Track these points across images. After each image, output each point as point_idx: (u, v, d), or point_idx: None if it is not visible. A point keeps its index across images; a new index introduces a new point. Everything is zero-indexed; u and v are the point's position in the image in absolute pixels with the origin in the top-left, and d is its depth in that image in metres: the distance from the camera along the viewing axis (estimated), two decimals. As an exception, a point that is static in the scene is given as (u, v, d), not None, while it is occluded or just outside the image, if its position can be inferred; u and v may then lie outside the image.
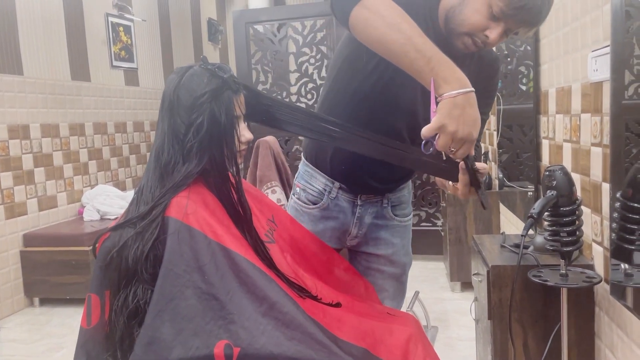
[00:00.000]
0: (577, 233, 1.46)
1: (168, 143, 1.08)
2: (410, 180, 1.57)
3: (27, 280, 3.39)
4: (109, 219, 3.69)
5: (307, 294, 1.11)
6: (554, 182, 1.45)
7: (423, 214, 4.05)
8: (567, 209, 1.44)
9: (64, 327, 3.08)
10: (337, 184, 1.45)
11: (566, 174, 1.46)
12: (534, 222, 1.40)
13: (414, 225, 1.73)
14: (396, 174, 1.44)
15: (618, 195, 1.33)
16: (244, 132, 1.14)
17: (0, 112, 3.26)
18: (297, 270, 1.22)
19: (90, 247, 3.22)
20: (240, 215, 1.12)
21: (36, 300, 3.44)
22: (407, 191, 1.54)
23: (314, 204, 1.48)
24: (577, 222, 1.46)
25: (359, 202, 1.46)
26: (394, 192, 1.48)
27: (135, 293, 1.00)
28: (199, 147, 1.06)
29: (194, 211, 1.03)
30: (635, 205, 1.27)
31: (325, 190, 1.46)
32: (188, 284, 0.98)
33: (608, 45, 1.40)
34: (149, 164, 1.11)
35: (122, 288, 1.01)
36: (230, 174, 1.11)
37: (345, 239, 1.50)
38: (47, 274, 3.35)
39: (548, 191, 1.45)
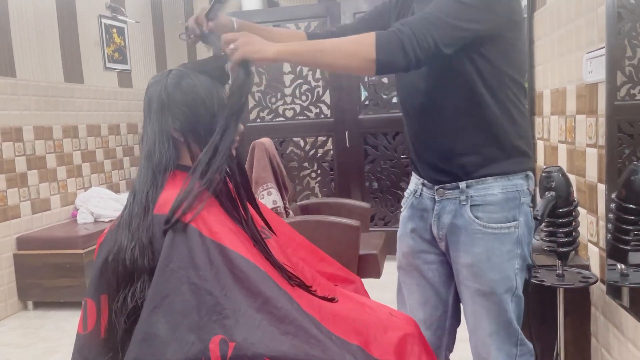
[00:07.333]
0: (574, 234, 1.47)
1: (159, 143, 1.09)
2: (506, 180, 1.29)
3: (21, 284, 3.36)
4: (103, 222, 3.67)
5: (298, 282, 1.11)
6: (553, 183, 1.45)
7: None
8: (565, 210, 1.45)
9: (58, 330, 3.05)
10: (421, 180, 1.40)
11: (564, 175, 1.47)
12: (539, 224, 1.40)
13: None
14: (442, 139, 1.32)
15: (613, 196, 1.34)
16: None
17: (-7, 114, 3.24)
18: (297, 262, 1.23)
19: (84, 250, 3.25)
20: (237, 203, 1.12)
21: (30, 303, 3.41)
22: (497, 191, 1.29)
23: (404, 205, 1.47)
24: (573, 223, 1.47)
25: (437, 198, 1.36)
26: (472, 187, 1.30)
27: (134, 293, 1.01)
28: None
29: (189, 208, 1.04)
30: (630, 206, 1.28)
31: (416, 189, 1.43)
32: (183, 279, 0.99)
33: (603, 47, 1.41)
34: (140, 167, 1.12)
35: (121, 289, 1.02)
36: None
37: (434, 241, 1.41)
38: (40, 277, 3.32)
39: (547, 192, 1.46)
